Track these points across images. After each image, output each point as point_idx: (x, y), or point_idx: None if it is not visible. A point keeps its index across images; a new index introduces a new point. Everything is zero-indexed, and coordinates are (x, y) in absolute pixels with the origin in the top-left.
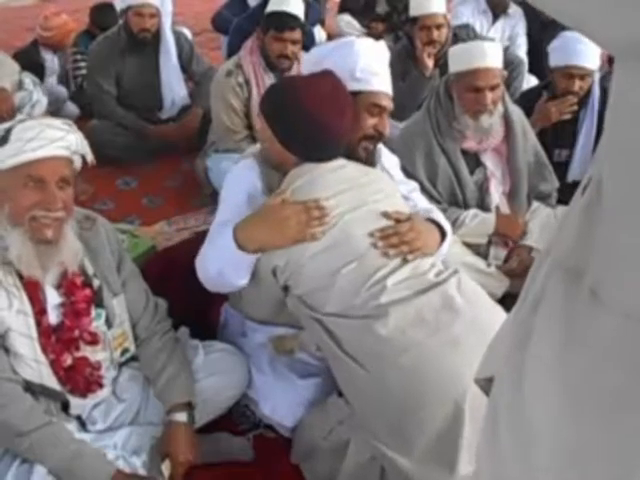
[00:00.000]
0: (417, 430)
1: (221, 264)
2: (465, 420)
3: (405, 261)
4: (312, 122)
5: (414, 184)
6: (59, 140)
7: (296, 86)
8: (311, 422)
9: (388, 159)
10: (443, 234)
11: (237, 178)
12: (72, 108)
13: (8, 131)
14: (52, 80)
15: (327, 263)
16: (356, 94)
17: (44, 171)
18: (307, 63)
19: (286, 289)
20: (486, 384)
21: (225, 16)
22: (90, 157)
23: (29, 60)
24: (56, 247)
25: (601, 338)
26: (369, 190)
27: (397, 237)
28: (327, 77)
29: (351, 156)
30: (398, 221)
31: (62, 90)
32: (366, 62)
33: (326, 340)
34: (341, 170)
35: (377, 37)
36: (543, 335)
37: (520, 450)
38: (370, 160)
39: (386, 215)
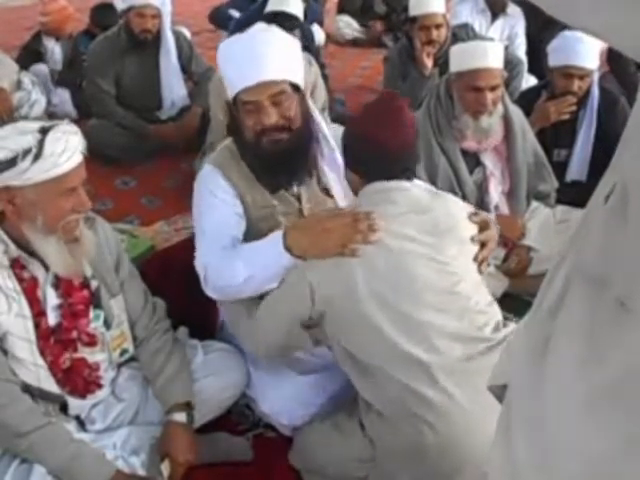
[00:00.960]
0: None
1: (251, 272)
2: None
3: (462, 312)
4: (367, 140)
5: None
6: (78, 146)
7: (359, 114)
8: (320, 440)
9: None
10: None
11: (202, 186)
12: (70, 108)
13: (41, 143)
14: (56, 67)
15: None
16: (234, 100)
17: (75, 180)
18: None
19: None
20: (499, 391)
21: (223, 11)
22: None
23: (29, 49)
24: (82, 243)
25: (629, 351)
26: (440, 216)
27: (488, 252)
28: (387, 98)
29: (257, 153)
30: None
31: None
32: (236, 60)
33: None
34: (406, 191)
35: (376, 37)
36: (563, 344)
37: (538, 459)
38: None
39: (471, 219)
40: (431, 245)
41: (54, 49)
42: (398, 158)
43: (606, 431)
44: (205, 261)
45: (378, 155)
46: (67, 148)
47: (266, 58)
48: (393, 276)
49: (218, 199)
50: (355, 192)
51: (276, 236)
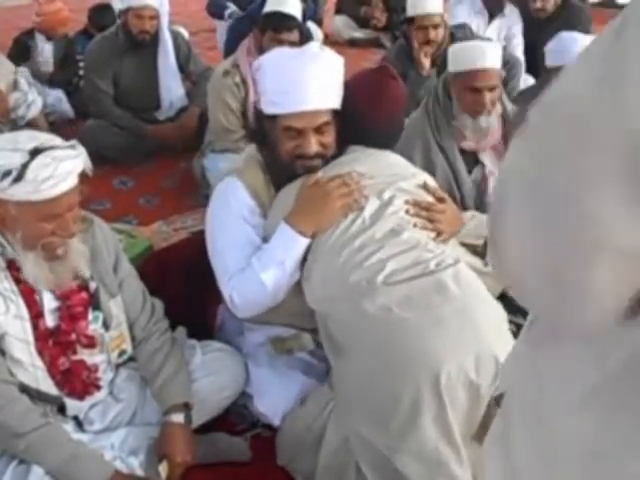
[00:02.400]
0: (391, 403)
1: (278, 275)
2: (443, 398)
3: (412, 247)
4: (351, 107)
5: None
6: (71, 173)
7: (350, 81)
8: (292, 420)
9: None
10: None
11: (227, 202)
12: (66, 107)
13: (24, 168)
14: (44, 67)
15: (342, 233)
16: (274, 117)
17: (59, 208)
18: (252, 75)
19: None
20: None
21: (219, 1)
22: (90, 171)
23: (19, 42)
24: (66, 259)
25: (628, 347)
26: (402, 174)
27: (428, 213)
28: (377, 72)
29: (288, 174)
30: (437, 199)
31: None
32: (284, 79)
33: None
34: (377, 155)
35: (374, 37)
36: (563, 342)
37: (539, 460)
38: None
39: (426, 188)
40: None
41: (44, 47)
42: (379, 129)
43: (605, 430)
44: (230, 288)
45: (360, 123)
46: (53, 175)
47: (316, 85)
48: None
49: (239, 217)
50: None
51: (282, 230)
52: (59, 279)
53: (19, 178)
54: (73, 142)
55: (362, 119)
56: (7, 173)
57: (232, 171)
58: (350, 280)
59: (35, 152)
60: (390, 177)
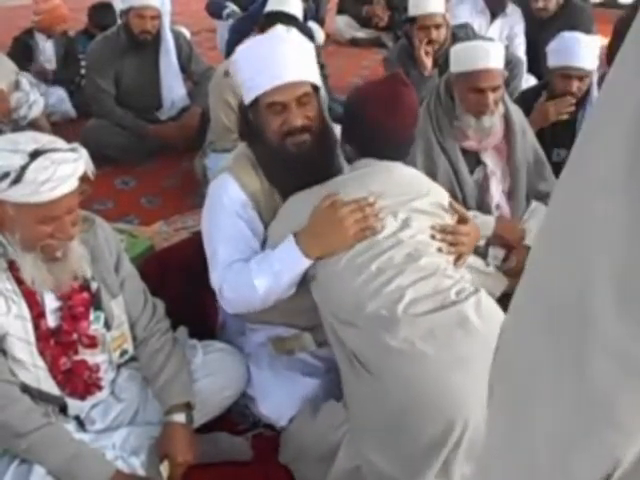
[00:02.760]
0: (409, 440)
1: (271, 282)
2: (462, 441)
3: (431, 274)
4: (364, 119)
5: None
6: (70, 176)
7: (361, 89)
8: (301, 425)
9: None
10: None
11: (219, 199)
12: (68, 107)
13: (23, 170)
14: (48, 66)
15: (356, 257)
16: (255, 102)
17: (58, 210)
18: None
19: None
20: None
21: (218, 1)
22: (92, 173)
23: (20, 42)
24: (66, 261)
25: None
26: (417, 191)
27: (453, 237)
28: (390, 80)
29: (281, 156)
30: (460, 219)
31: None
32: (253, 64)
33: (335, 343)
34: (390, 171)
35: (376, 37)
36: None
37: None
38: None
39: (452, 207)
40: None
41: (45, 45)
42: (392, 140)
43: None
44: (221, 279)
45: (373, 135)
46: (51, 179)
47: (290, 59)
48: (369, 245)
49: (232, 212)
50: (348, 161)
51: (288, 245)
52: (58, 281)
53: (18, 180)
54: (74, 145)
55: (376, 130)
56: (6, 174)
57: (223, 168)
58: (368, 309)
59: (35, 154)
60: (404, 196)
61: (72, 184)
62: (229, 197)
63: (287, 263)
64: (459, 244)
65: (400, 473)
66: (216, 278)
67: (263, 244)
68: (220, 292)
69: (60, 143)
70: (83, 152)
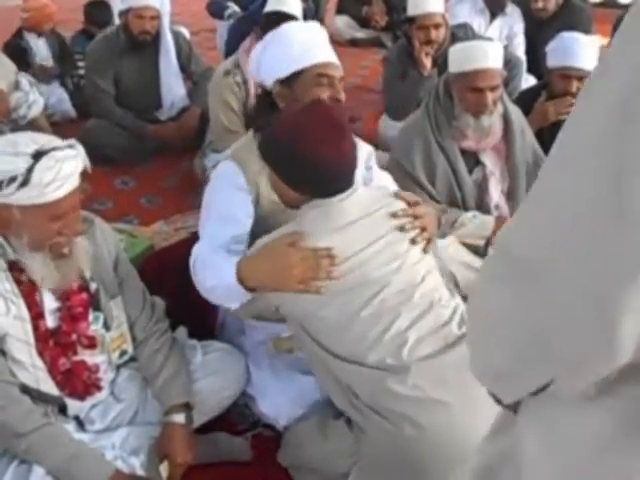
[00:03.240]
0: None
1: (216, 283)
2: None
3: (428, 309)
4: (311, 164)
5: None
6: (73, 174)
7: (286, 131)
8: (307, 438)
9: (361, 150)
10: None
11: (220, 179)
12: (68, 107)
13: (29, 172)
14: (46, 63)
15: (345, 306)
16: (300, 73)
17: (64, 208)
18: (251, 67)
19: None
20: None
21: (219, 1)
22: (89, 169)
23: (12, 45)
24: (72, 257)
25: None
26: (381, 215)
27: (419, 221)
28: (315, 110)
29: None
30: (413, 204)
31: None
32: (300, 40)
33: (324, 374)
34: (351, 198)
35: (375, 37)
36: None
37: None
38: None
39: (397, 195)
40: (386, 242)
41: (37, 44)
42: (339, 174)
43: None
44: (198, 250)
45: (320, 176)
46: (57, 178)
47: (329, 46)
48: (357, 292)
49: (231, 196)
50: (295, 206)
51: (231, 265)
52: (65, 277)
53: (25, 183)
54: (71, 141)
55: (319, 167)
56: (13, 179)
57: (227, 155)
58: (370, 359)
59: (37, 155)
60: (365, 244)
61: (75, 181)
62: (230, 183)
63: (223, 280)
64: (423, 226)
65: None
66: (196, 249)
67: (255, 227)
68: (193, 264)
69: (57, 141)
70: (80, 148)
